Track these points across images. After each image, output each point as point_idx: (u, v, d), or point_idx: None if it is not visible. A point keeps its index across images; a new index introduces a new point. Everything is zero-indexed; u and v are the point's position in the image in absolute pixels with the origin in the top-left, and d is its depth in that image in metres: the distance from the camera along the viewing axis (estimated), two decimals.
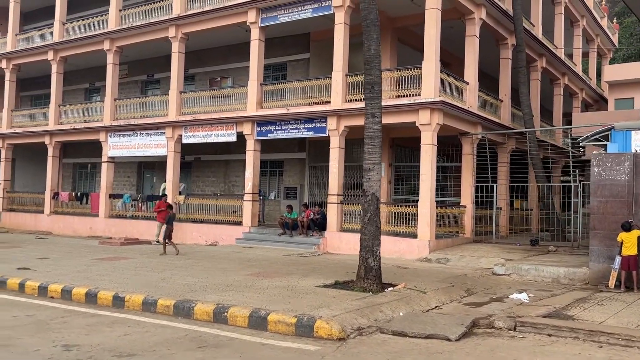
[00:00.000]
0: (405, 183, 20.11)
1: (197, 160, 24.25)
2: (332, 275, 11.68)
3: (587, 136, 13.89)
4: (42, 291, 10.31)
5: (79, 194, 24.57)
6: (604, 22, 32.41)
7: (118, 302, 9.26)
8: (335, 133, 17.26)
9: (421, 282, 10.87)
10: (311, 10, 17.92)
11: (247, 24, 19.12)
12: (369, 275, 9.85)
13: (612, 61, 36.48)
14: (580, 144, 16.39)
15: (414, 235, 15.76)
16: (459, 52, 18.60)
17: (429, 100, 15.40)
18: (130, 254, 15.66)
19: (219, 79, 23.80)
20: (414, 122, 15.85)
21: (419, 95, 15.87)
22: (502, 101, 20.28)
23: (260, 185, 20.38)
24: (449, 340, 7.18)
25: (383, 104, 16.57)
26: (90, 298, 9.62)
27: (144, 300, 9.00)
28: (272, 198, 22.37)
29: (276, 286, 10.23)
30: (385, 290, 9.77)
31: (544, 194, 19.05)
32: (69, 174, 29.22)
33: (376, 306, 8.43)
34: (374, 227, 9.88)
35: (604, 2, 33.85)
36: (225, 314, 8.04)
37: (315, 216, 17.48)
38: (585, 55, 31.33)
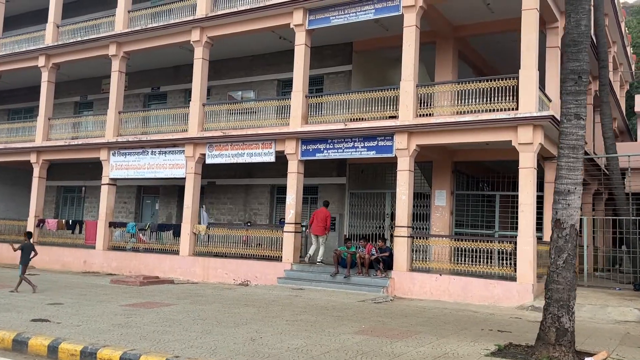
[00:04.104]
0: (466, 214, 17.44)
1: (210, 185, 21.09)
2: (469, 335, 8.83)
3: None
4: (88, 359, 7.13)
5: (70, 221, 20.96)
6: (629, 51, 31.12)
7: None
8: (404, 153, 14.56)
9: (604, 346, 8.13)
10: (373, 11, 15.34)
11: (292, 26, 16.39)
12: (563, 341, 7.03)
13: (628, 93, 35.24)
14: None
15: (505, 277, 13.16)
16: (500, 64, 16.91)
17: (533, 115, 12.89)
18: (163, 297, 12.39)
19: (239, 92, 20.91)
20: (510, 141, 13.33)
21: (512, 109, 13.44)
22: None
23: None
24: None
25: (456, 119, 14.29)
26: None
27: None
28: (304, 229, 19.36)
29: (431, 355, 7.29)
30: None
31: (629, 229, 16.66)
32: (51, 198, 25.49)
33: None
34: (571, 274, 7.11)
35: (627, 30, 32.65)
36: None
37: (379, 254, 14.57)
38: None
